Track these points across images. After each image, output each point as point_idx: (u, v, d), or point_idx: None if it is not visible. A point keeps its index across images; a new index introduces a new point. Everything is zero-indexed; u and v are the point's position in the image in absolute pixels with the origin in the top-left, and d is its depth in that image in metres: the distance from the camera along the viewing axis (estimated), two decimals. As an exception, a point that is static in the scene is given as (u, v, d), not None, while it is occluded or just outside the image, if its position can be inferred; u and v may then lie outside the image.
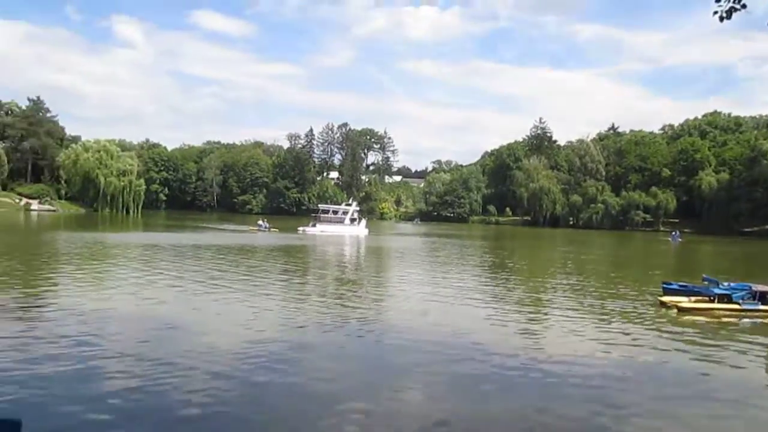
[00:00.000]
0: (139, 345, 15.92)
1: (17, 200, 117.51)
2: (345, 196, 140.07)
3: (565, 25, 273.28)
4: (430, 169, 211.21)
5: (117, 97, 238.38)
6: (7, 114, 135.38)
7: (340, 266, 41.98)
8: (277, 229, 77.36)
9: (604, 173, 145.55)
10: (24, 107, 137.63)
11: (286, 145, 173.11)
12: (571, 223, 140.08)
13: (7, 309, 20.07)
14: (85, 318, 18.64)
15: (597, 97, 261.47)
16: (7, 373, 12.75)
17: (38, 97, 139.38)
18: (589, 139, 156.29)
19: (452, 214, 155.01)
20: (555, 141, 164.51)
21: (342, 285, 30.47)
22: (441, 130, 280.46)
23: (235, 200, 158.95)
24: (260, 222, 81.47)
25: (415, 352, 16.27)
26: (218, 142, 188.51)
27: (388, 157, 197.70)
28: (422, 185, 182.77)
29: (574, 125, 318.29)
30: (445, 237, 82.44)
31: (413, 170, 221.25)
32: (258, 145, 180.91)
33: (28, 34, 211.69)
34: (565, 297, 27.60)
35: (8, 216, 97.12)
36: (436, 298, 26.00)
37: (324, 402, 12.07)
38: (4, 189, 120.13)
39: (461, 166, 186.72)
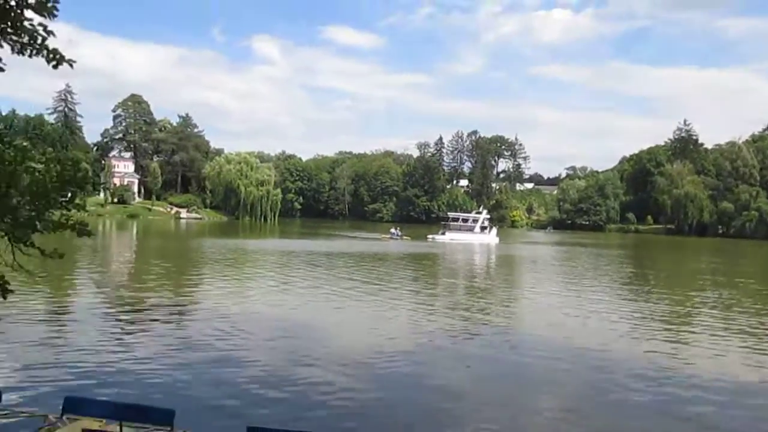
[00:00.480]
0: (273, 345, 16.88)
1: (169, 209, 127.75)
2: (475, 204, 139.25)
3: (713, 20, 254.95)
4: (563, 175, 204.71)
5: (256, 111, 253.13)
6: (160, 131, 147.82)
7: (469, 275, 41.77)
8: (409, 238, 78.16)
9: (758, 178, 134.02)
10: (175, 124, 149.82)
11: (415, 153, 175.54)
12: (721, 231, 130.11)
13: (161, 307, 22.06)
14: (227, 318, 20.00)
15: (749, 96, 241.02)
16: (159, 365, 14.03)
17: (187, 114, 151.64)
18: (741, 141, 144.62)
19: (587, 222, 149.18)
20: (701, 144, 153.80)
21: (472, 294, 30.31)
22: (574, 135, 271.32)
23: (366, 208, 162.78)
24: (392, 230, 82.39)
25: (547, 366, 15.85)
26: (350, 152, 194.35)
27: (519, 164, 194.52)
28: (555, 192, 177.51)
29: (722, 127, 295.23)
30: (579, 246, 79.56)
31: (546, 177, 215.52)
32: (388, 154, 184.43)
33: (180, 57, 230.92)
34: (713, 314, 25.65)
35: (162, 223, 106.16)
36: (570, 311, 25.14)
37: (454, 412, 12.08)
38: (158, 199, 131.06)
39: (597, 172, 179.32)
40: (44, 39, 6.15)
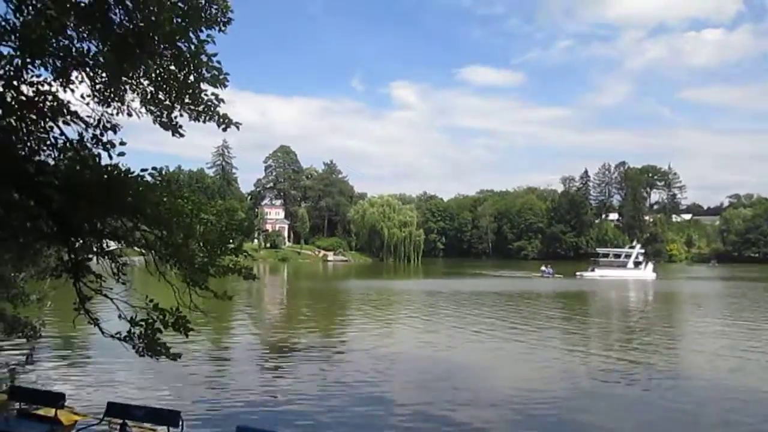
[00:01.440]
0: (423, 386, 17.16)
1: (317, 252, 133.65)
2: (627, 238, 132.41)
3: None
4: (726, 204, 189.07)
5: (397, 154, 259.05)
6: (307, 178, 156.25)
7: (625, 314, 39.78)
8: (561, 276, 75.71)
9: None
10: (320, 171, 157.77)
11: (560, 188, 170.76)
12: None
13: (312, 347, 23.23)
14: (377, 359, 20.69)
15: None
16: (314, 405, 14.86)
17: (331, 161, 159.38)
18: None
19: (758, 254, 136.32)
20: None
21: (627, 333, 28.91)
22: (736, 160, 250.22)
23: (510, 246, 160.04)
24: (543, 268, 79.75)
25: (712, 412, 14.82)
26: (491, 190, 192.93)
27: (674, 195, 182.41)
28: (717, 223, 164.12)
29: None
30: (749, 281, 72.84)
31: (705, 207, 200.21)
32: (531, 190, 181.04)
33: (323, 107, 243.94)
34: None
35: (310, 266, 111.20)
36: (738, 353, 23.19)
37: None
38: (306, 243, 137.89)
39: (766, 199, 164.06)
40: (216, 107, 7.11)
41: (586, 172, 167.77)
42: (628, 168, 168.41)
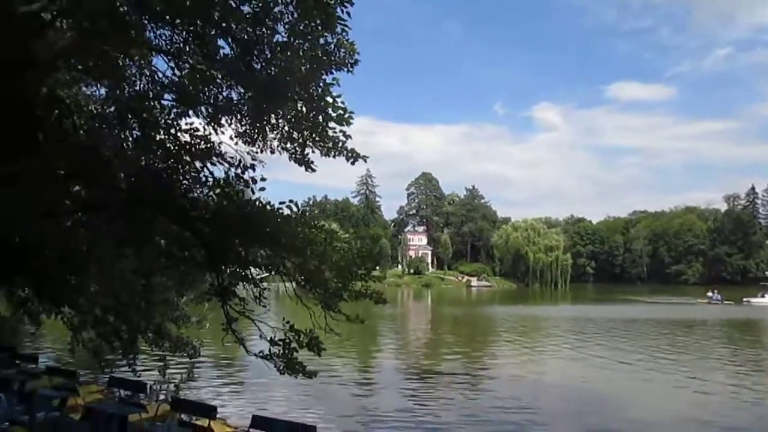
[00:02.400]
0: (570, 417, 16.71)
1: (460, 278, 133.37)
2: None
3: None
4: None
5: (540, 177, 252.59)
6: (449, 204, 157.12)
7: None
8: (732, 302, 69.47)
9: None
10: (462, 197, 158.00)
11: (723, 207, 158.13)
12: None
13: (455, 373, 23.40)
14: (522, 388, 20.60)
15: None
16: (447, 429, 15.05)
17: (473, 186, 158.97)
18: None
19: None
20: None
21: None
22: None
23: (668, 271, 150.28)
24: (710, 293, 73.67)
25: None
26: (644, 211, 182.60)
27: None
28: None
29: None
30: None
31: None
32: (690, 210, 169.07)
33: (465, 133, 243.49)
34: None
35: (454, 291, 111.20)
36: None
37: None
38: (449, 269, 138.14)
39: None
40: (343, 143, 7.73)
41: (753, 188, 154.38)
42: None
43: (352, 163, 7.89)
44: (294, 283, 8.34)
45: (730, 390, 20.56)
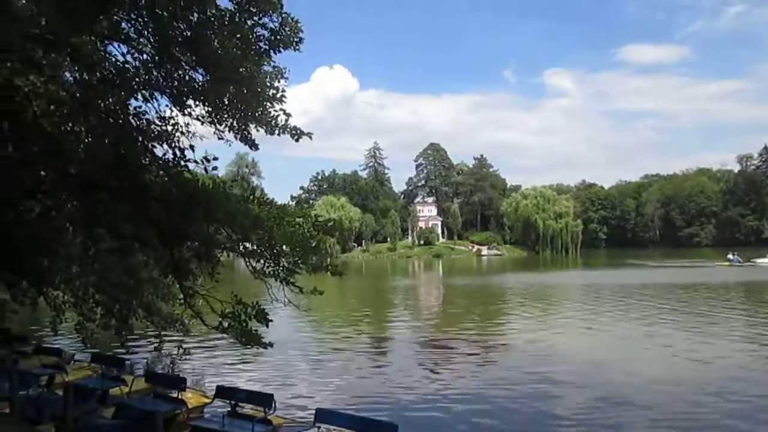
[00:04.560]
0: (584, 384, 16.75)
1: (470, 247, 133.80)
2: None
3: None
4: None
5: (553, 144, 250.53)
6: (458, 174, 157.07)
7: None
8: (753, 263, 68.07)
9: None
10: (471, 166, 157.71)
11: (736, 168, 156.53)
12: None
13: (470, 340, 23.90)
14: (532, 351, 21.06)
15: None
16: (468, 392, 15.80)
17: (482, 156, 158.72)
18: None
19: None
20: None
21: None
22: None
23: (680, 233, 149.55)
24: (731, 255, 71.74)
25: None
26: (657, 175, 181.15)
27: None
28: None
29: None
30: None
31: None
32: (703, 172, 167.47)
33: (475, 102, 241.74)
34: None
35: (464, 261, 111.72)
36: None
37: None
38: (459, 238, 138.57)
39: None
40: (285, 121, 7.96)
41: (765, 147, 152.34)
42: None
43: (297, 140, 8.12)
44: (250, 259, 8.62)
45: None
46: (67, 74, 9.50)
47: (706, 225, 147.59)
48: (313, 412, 9.17)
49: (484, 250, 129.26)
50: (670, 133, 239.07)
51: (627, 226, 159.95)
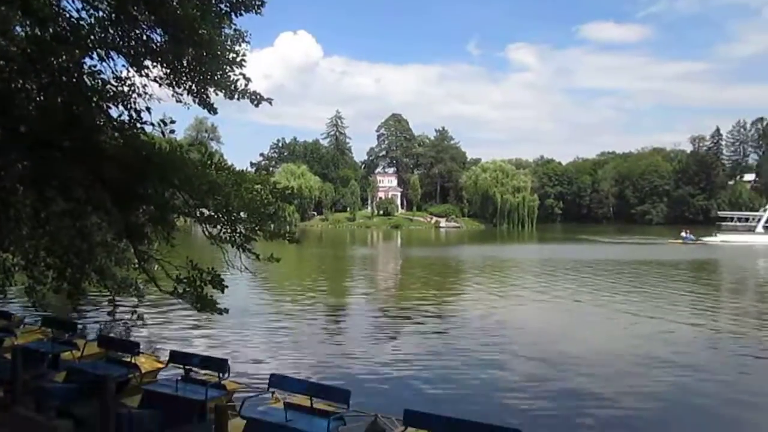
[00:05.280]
0: (533, 355, 17.27)
1: (429, 219, 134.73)
2: (765, 200, 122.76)
3: None
4: None
5: (515, 119, 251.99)
6: (419, 145, 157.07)
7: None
8: (703, 241, 70.51)
9: None
10: (432, 138, 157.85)
11: (689, 149, 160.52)
12: None
13: (424, 311, 24.21)
14: (484, 322, 21.61)
15: None
16: (420, 360, 16.14)
17: (443, 128, 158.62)
18: None
19: None
20: None
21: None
22: None
23: (633, 211, 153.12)
24: (683, 233, 73.61)
25: None
26: (613, 153, 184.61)
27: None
28: None
29: None
30: None
31: None
32: (657, 151, 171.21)
33: (439, 74, 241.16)
34: None
35: (423, 232, 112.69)
36: None
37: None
38: (419, 210, 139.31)
39: None
40: (245, 85, 7.86)
41: (717, 130, 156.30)
42: (766, 124, 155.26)
43: (256, 105, 8.04)
44: (207, 225, 8.54)
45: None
46: (18, 29, 9.17)
47: (657, 203, 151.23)
48: (268, 377, 9.22)
49: (443, 222, 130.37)
50: (629, 113, 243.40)
51: (582, 202, 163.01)
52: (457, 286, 33.72)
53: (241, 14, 8.07)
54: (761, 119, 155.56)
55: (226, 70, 7.77)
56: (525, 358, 16.76)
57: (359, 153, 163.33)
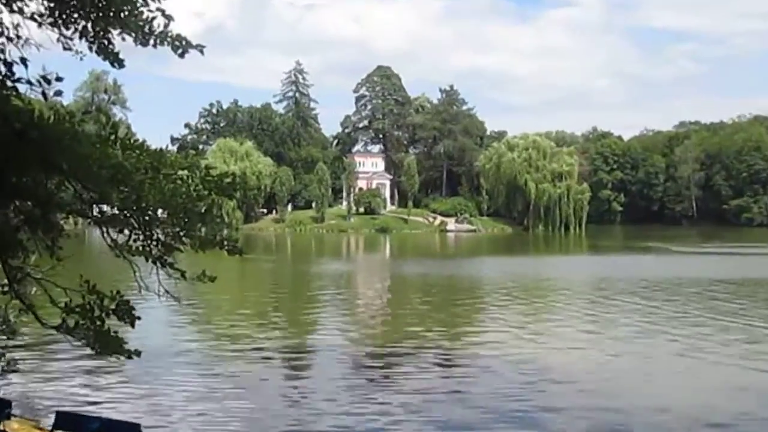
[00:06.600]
0: (581, 413, 17.57)
1: (431, 218, 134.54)
2: None
3: None
4: None
5: (553, 74, 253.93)
6: (417, 112, 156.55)
7: None
8: None
9: None
10: (436, 101, 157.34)
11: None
12: None
13: (423, 356, 24.25)
14: (512, 373, 21.69)
15: None
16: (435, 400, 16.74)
17: (451, 87, 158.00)
18: None
19: None
20: None
21: None
22: None
23: (726, 206, 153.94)
24: None
25: None
26: (697, 123, 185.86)
27: None
28: None
29: None
30: None
31: None
32: (759, 121, 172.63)
33: (444, 8, 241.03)
34: None
35: (422, 238, 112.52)
36: None
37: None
38: (416, 206, 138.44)
39: None
40: (165, 25, 7.83)
41: None
42: None
43: (181, 55, 8.02)
44: (109, 229, 8.49)
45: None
46: None
47: (761, 196, 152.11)
48: None
49: (451, 224, 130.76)
50: (717, 64, 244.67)
51: (652, 195, 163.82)
52: (473, 319, 33.65)
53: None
54: None
55: (138, 4, 7.76)
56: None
57: (330, 123, 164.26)
